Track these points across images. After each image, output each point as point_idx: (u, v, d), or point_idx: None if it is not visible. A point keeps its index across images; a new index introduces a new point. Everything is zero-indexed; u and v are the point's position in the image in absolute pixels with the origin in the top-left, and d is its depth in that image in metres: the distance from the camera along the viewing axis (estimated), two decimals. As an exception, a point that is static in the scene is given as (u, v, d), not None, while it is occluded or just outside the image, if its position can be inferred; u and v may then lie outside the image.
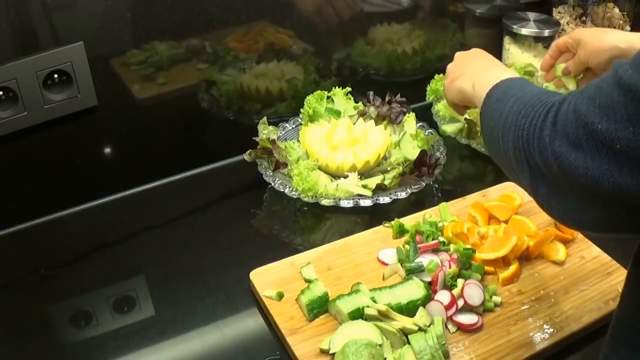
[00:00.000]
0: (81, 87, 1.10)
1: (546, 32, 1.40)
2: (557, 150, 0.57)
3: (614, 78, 0.53)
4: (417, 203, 1.18)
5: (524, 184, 0.67)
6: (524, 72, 1.41)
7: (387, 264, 1.01)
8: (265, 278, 0.99)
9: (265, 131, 1.24)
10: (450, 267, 0.97)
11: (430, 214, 1.11)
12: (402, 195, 1.16)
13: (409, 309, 0.91)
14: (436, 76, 1.40)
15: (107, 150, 1.21)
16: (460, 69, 0.96)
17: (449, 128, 1.32)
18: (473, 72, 0.90)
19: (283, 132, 1.30)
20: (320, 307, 0.93)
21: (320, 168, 1.20)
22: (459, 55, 1.03)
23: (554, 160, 0.58)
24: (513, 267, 0.99)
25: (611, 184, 0.53)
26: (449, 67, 1.02)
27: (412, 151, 1.22)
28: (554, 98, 0.62)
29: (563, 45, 1.08)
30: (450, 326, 0.91)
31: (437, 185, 1.24)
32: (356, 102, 1.32)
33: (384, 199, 1.15)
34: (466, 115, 1.33)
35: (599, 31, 1.03)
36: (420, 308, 0.91)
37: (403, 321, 0.89)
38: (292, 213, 1.18)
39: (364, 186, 1.16)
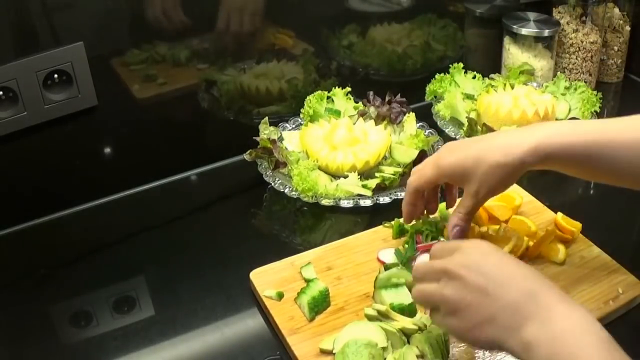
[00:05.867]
0: (81, 87, 1.10)
1: (546, 32, 1.41)
2: None
3: None
4: (417, 203, 1.17)
5: None
6: (521, 72, 1.41)
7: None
8: (265, 278, 0.99)
9: (267, 131, 1.24)
10: (450, 267, 0.97)
11: (431, 214, 1.11)
12: (402, 195, 1.15)
13: (411, 310, 0.91)
14: (436, 76, 1.40)
15: (107, 150, 1.21)
16: (480, 307, 0.66)
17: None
18: (517, 323, 0.63)
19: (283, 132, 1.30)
20: (322, 304, 0.93)
21: (320, 168, 1.19)
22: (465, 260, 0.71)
23: None
24: (513, 267, 0.99)
25: None
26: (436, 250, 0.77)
27: (405, 155, 1.21)
28: None
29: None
30: (450, 326, 0.91)
31: (437, 185, 1.24)
32: (356, 102, 1.32)
33: (384, 199, 1.15)
34: (466, 114, 1.33)
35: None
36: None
37: (403, 321, 0.88)
38: (292, 213, 1.18)
39: (364, 186, 1.16)
